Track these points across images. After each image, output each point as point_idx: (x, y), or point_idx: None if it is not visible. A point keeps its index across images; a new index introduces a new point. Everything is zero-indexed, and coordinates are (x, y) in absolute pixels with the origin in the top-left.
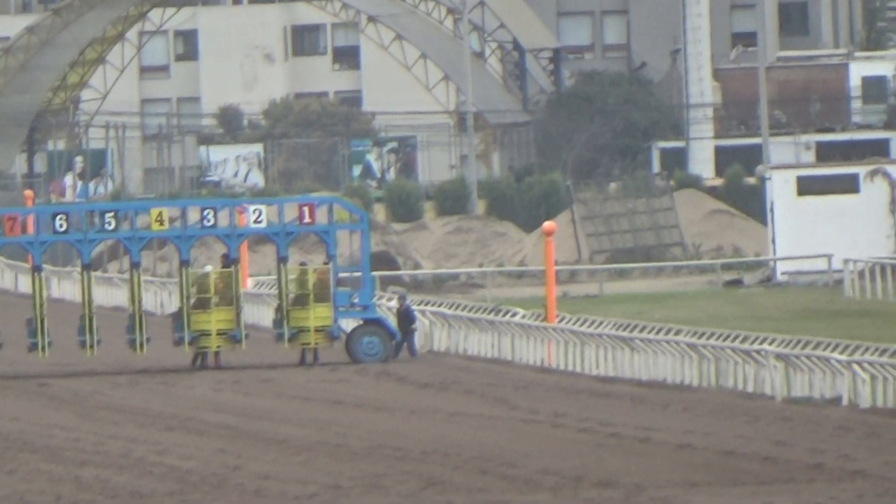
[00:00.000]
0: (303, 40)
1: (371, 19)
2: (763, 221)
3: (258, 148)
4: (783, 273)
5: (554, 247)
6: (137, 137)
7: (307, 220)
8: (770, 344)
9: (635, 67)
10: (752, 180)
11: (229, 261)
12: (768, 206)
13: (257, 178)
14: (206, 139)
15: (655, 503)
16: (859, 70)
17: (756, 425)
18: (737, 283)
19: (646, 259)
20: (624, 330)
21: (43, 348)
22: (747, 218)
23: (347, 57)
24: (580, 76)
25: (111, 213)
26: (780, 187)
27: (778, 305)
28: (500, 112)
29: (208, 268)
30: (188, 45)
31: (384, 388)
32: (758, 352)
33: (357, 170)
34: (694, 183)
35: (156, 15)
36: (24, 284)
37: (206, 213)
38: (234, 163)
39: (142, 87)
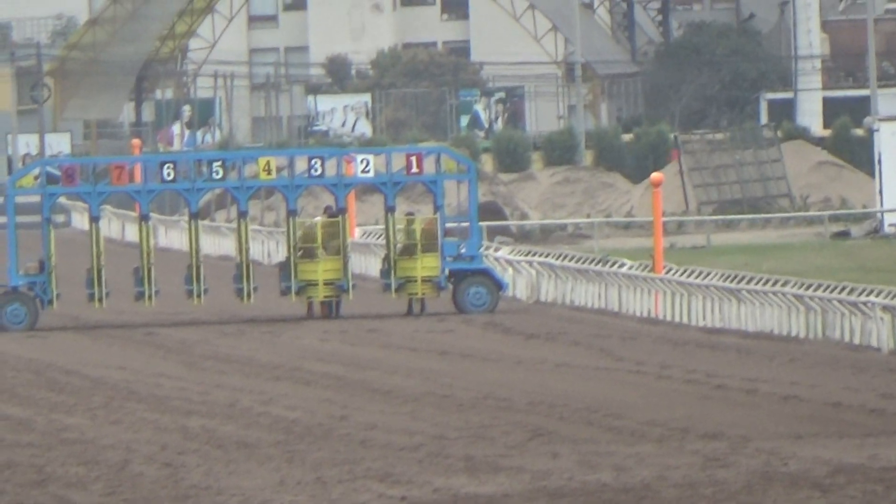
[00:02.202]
0: None
1: None
2: (871, 173)
3: (366, 98)
4: (891, 225)
5: (661, 197)
6: (245, 87)
7: (415, 170)
8: (877, 296)
9: (744, 18)
10: (860, 132)
11: (334, 212)
12: (876, 157)
13: (365, 128)
14: (314, 88)
15: (761, 455)
16: None
17: (862, 377)
18: (844, 234)
19: (753, 210)
20: (731, 281)
21: (150, 297)
22: (855, 170)
23: (456, 7)
24: (689, 27)
25: (219, 162)
26: (887, 139)
27: (885, 257)
28: (609, 63)
29: (318, 219)
30: None
31: (490, 339)
32: (865, 303)
33: (465, 120)
34: (802, 134)
35: None
36: (131, 233)
37: (313, 162)
38: (341, 112)
39: (250, 37)
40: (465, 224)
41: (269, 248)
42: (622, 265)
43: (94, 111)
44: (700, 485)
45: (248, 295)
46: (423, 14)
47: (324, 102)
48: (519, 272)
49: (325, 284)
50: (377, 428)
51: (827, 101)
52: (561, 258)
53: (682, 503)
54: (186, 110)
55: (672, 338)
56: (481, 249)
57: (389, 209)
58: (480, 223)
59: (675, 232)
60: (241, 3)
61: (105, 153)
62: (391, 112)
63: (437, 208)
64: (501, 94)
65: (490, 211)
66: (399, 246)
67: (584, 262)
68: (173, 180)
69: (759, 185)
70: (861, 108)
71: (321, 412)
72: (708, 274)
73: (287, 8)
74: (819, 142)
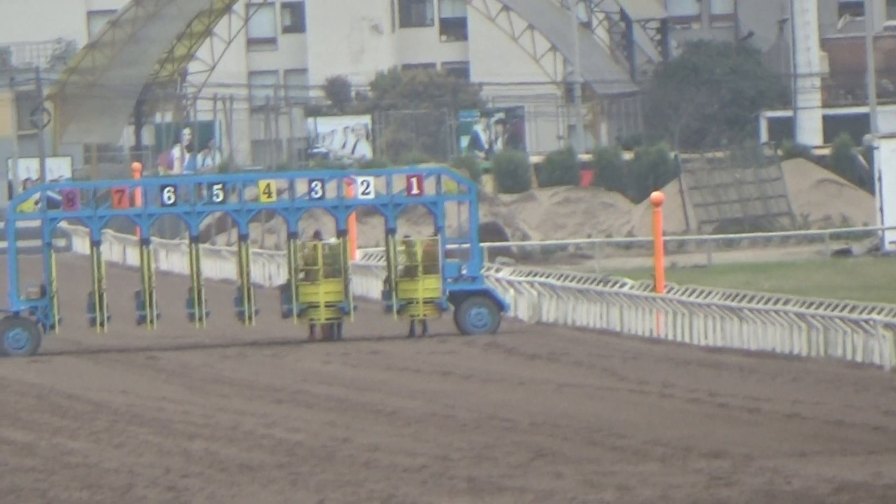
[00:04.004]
0: (410, 11)
1: None
2: (871, 191)
3: (366, 119)
4: (891, 242)
5: (662, 217)
6: (245, 109)
7: (415, 191)
8: (879, 313)
9: (742, 37)
10: (859, 149)
11: (323, 236)
12: (876, 174)
13: (365, 150)
14: (314, 111)
15: (764, 473)
16: None
17: (865, 395)
18: (845, 252)
19: (754, 229)
20: (732, 300)
21: (151, 321)
22: (855, 187)
23: (454, 28)
24: (687, 46)
25: (219, 186)
26: (887, 156)
27: (886, 274)
28: (608, 82)
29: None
30: (295, 16)
31: (493, 360)
32: (867, 321)
33: (465, 141)
34: (802, 152)
35: None
36: (132, 257)
37: (314, 184)
38: (341, 134)
39: (249, 59)
40: (466, 245)
41: (269, 271)
42: (623, 285)
43: (94, 135)
44: None
45: (250, 318)
46: (422, 35)
47: (323, 124)
48: (520, 293)
49: (326, 307)
50: (380, 449)
51: (826, 119)
52: (562, 278)
53: None
54: (186, 133)
55: (674, 357)
56: (482, 270)
57: (390, 231)
58: (481, 244)
59: (676, 251)
60: (240, 26)
61: (105, 177)
62: (391, 133)
63: (437, 229)
64: (501, 115)
65: (491, 232)
66: (400, 267)
67: (585, 283)
68: (174, 204)
69: (760, 203)
70: (860, 125)
71: (324, 434)
72: (709, 293)
73: (286, 30)
74: (819, 160)
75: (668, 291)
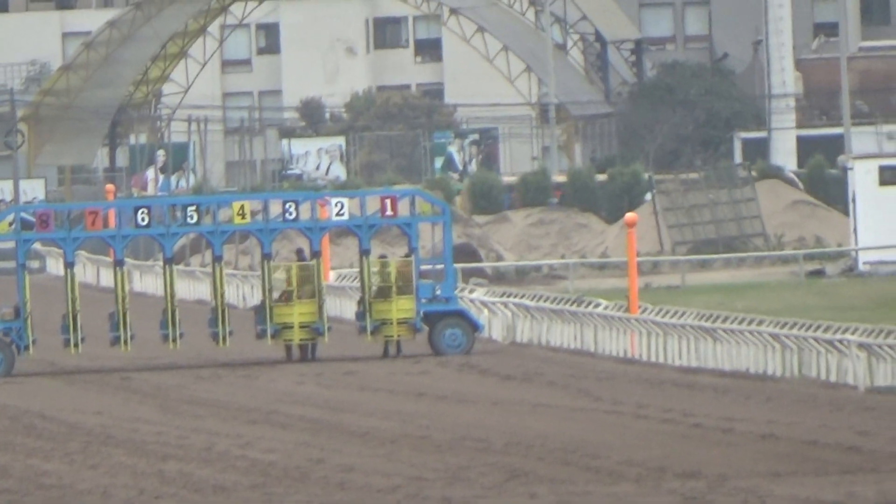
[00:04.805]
0: (385, 33)
1: (453, 12)
2: (845, 212)
3: (340, 141)
4: (865, 263)
5: (636, 238)
6: (219, 131)
7: (389, 212)
8: (853, 334)
9: (717, 58)
10: (834, 171)
11: (303, 256)
12: (850, 196)
13: (339, 171)
14: (288, 132)
15: (739, 493)
16: None
17: (839, 415)
18: (819, 273)
19: (728, 250)
20: (706, 320)
21: (125, 342)
22: (829, 208)
23: (429, 49)
24: (662, 67)
25: (193, 207)
26: (862, 177)
27: (860, 295)
28: (582, 104)
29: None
30: (270, 38)
31: (467, 380)
32: (840, 341)
33: (439, 162)
34: (776, 173)
35: (238, 8)
36: (106, 278)
37: (287, 206)
38: (315, 156)
39: (224, 81)
40: (440, 266)
41: (244, 292)
42: (598, 305)
43: (68, 157)
44: None
45: (224, 339)
46: (396, 57)
47: (298, 146)
48: (494, 313)
49: (300, 327)
50: (354, 470)
51: (801, 140)
52: (536, 299)
53: None
54: (160, 155)
55: (648, 377)
56: (456, 291)
57: (364, 252)
58: (455, 265)
59: (650, 272)
60: (215, 48)
61: (79, 199)
62: (365, 155)
63: (411, 250)
64: (475, 136)
65: (465, 253)
66: (374, 288)
67: (559, 303)
68: (148, 225)
69: (734, 224)
70: (835, 146)
71: (298, 455)
72: (683, 313)
73: (261, 51)
74: (792, 182)
75: (643, 312)
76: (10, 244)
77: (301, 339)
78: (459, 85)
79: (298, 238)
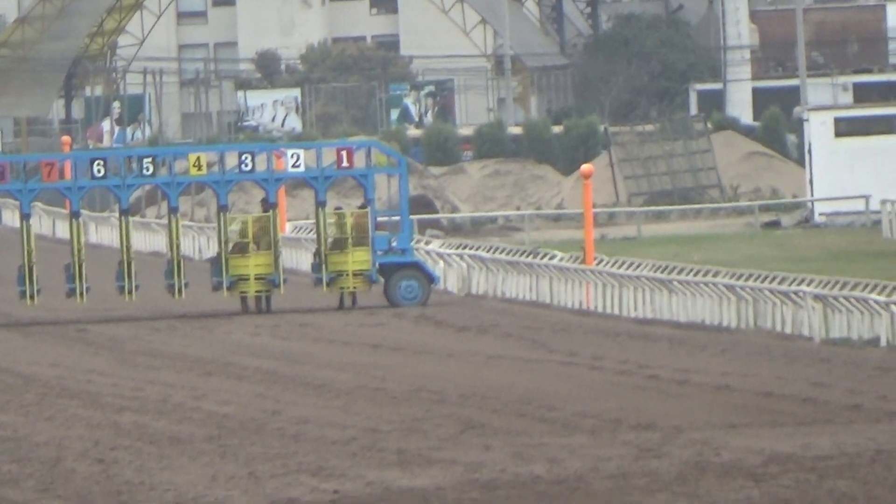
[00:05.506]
0: None
1: None
2: (801, 163)
3: (296, 92)
4: (821, 214)
5: (592, 189)
6: (175, 83)
7: (345, 164)
8: (808, 285)
9: (673, 10)
10: (789, 123)
11: (269, 205)
12: (806, 147)
13: (295, 123)
14: (244, 84)
15: (694, 445)
16: None
17: (794, 366)
18: (774, 224)
19: (684, 201)
20: (662, 272)
21: (81, 294)
22: (785, 160)
23: (385, 1)
24: (618, 19)
25: (149, 159)
26: (817, 129)
27: (816, 247)
28: (538, 55)
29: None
30: None
31: (422, 332)
32: (796, 293)
33: (395, 114)
34: (731, 125)
35: None
36: (62, 230)
37: (244, 157)
38: (271, 107)
39: (179, 33)
40: (396, 218)
41: (199, 244)
42: (553, 257)
43: (23, 109)
44: (633, 476)
45: (180, 291)
46: (352, 8)
47: (253, 98)
48: (450, 265)
49: (256, 279)
50: (309, 422)
51: (757, 92)
52: (492, 251)
53: (615, 494)
54: (116, 107)
55: (604, 329)
56: (412, 243)
57: (320, 204)
58: (411, 217)
59: (606, 223)
60: (170, 0)
61: (35, 150)
62: (321, 107)
63: (367, 202)
64: (431, 88)
65: (421, 204)
66: (330, 240)
67: (514, 255)
68: (104, 177)
69: (690, 175)
70: (791, 98)
71: (253, 407)
72: (639, 265)
73: (216, 4)
74: (749, 132)
75: (598, 263)
76: None
77: (257, 291)
78: (415, 37)
79: (254, 189)
